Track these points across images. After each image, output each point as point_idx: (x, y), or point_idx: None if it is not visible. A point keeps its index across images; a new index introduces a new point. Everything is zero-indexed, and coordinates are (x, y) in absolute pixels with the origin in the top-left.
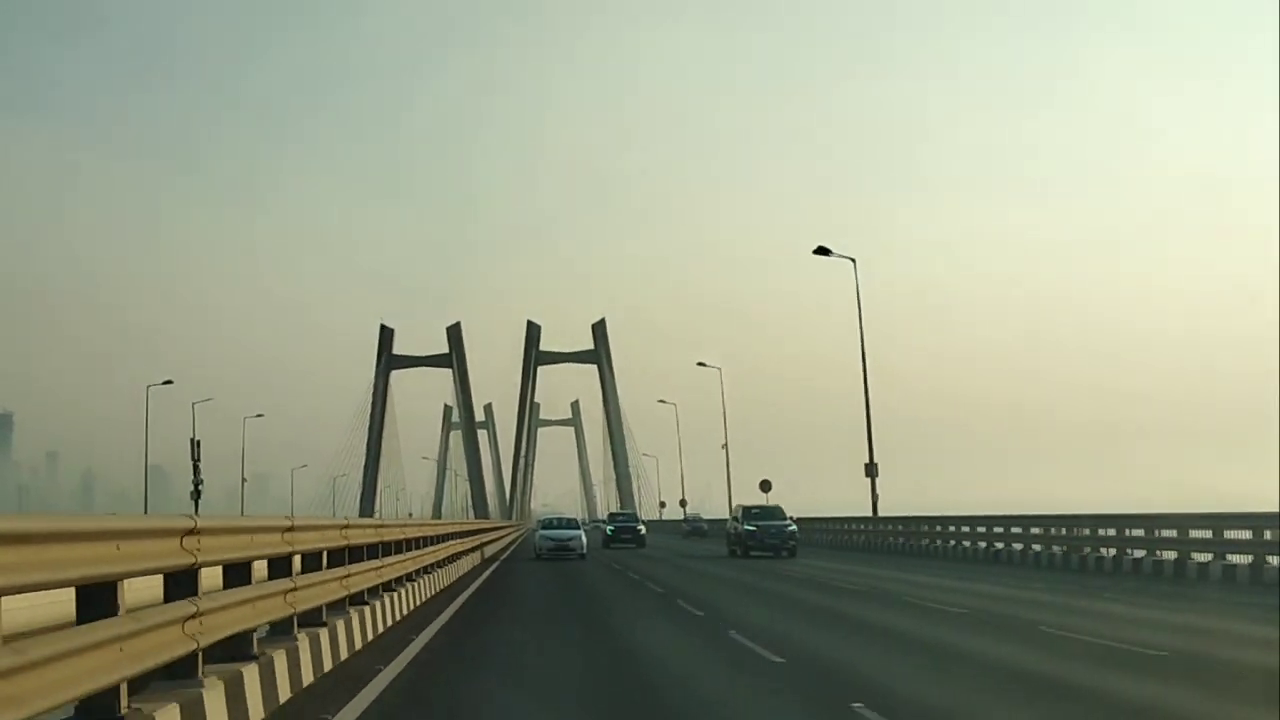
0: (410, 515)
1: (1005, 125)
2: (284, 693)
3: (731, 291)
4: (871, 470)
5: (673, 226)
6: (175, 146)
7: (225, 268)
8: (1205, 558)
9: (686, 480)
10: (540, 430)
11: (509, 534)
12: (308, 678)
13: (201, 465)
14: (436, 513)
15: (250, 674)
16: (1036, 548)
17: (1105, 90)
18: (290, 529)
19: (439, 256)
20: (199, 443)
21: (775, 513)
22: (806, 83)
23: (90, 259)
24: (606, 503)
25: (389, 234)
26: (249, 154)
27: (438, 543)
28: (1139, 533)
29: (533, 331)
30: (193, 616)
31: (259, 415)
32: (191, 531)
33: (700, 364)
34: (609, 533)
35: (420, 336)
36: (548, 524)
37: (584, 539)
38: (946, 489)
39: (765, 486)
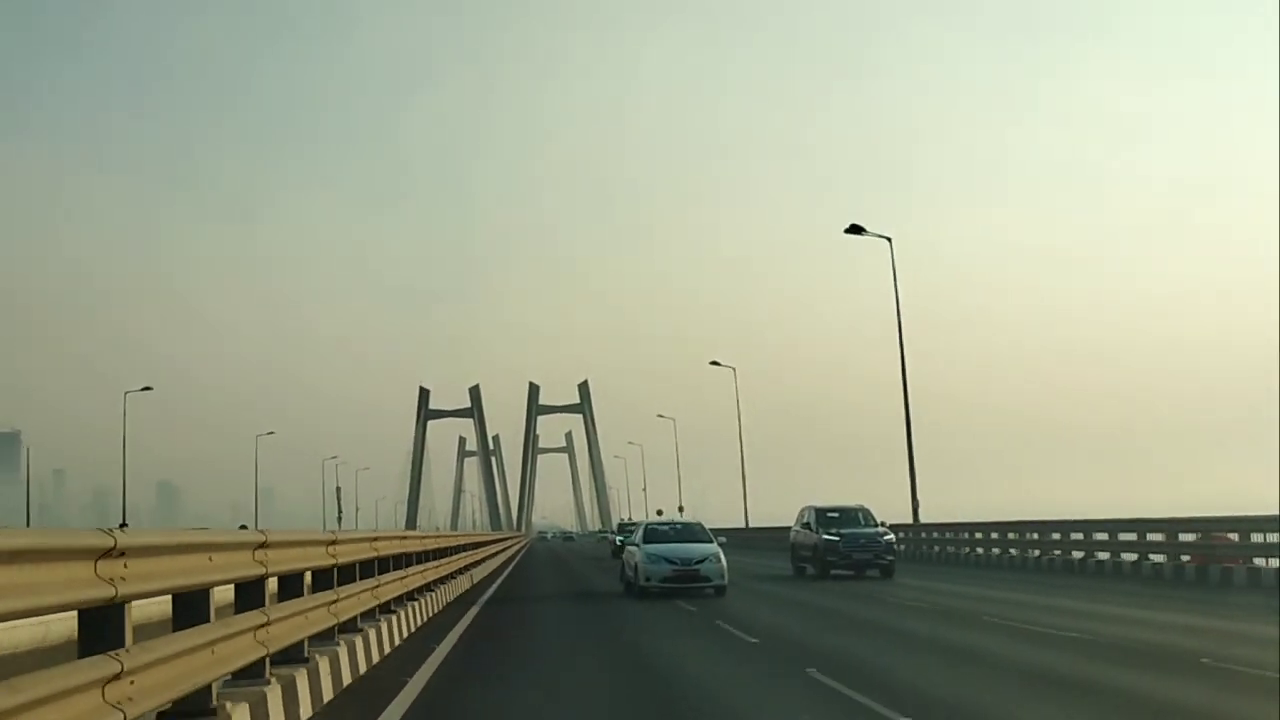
0: (438, 528)
1: (1004, 132)
2: (328, 693)
3: (737, 295)
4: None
5: (675, 234)
6: (175, 161)
7: (231, 281)
8: None
9: (688, 489)
10: (539, 456)
11: (518, 542)
12: (347, 679)
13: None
14: (453, 526)
15: (301, 676)
16: (1102, 555)
17: (1087, 95)
18: (334, 542)
19: (445, 266)
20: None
21: (861, 516)
22: (800, 92)
23: (95, 272)
24: (593, 515)
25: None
26: (253, 170)
27: (463, 551)
28: (1189, 537)
29: (533, 391)
30: (263, 625)
31: (270, 433)
32: (263, 545)
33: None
34: (619, 543)
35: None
36: (653, 533)
37: (723, 561)
38: (961, 495)
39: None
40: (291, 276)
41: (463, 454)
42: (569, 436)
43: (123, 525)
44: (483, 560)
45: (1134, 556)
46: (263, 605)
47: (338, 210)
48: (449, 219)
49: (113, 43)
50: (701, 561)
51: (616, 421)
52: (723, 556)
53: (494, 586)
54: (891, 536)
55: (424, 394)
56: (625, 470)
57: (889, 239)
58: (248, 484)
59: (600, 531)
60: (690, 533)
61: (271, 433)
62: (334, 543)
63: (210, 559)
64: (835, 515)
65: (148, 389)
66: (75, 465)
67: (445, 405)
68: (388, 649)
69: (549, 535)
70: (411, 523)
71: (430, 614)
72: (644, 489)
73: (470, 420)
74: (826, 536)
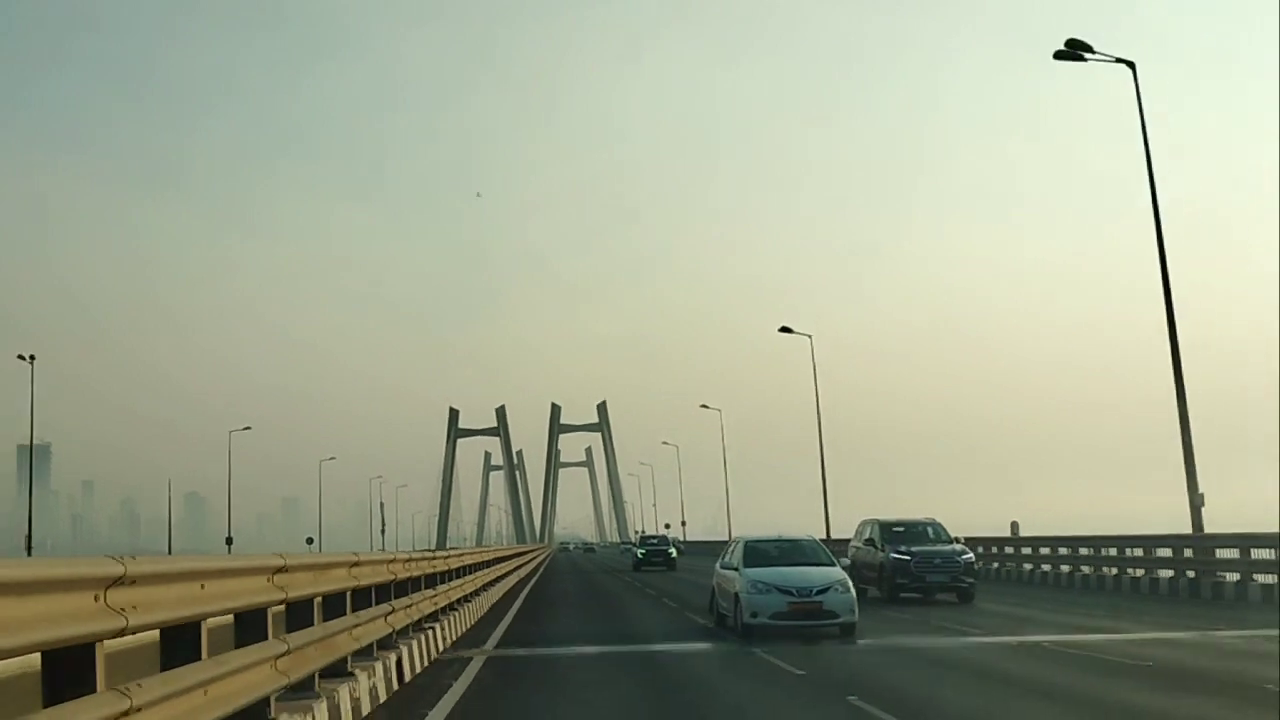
0: (465, 540)
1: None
2: (365, 706)
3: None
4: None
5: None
6: (197, 180)
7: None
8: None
9: (703, 503)
10: (560, 470)
11: (541, 554)
12: (383, 695)
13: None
14: (479, 540)
15: (342, 690)
16: (1136, 572)
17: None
18: (356, 564)
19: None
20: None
21: (931, 531)
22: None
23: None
24: (611, 528)
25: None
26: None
27: (488, 566)
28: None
29: (555, 411)
30: (321, 640)
31: (332, 458)
32: (356, 564)
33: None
34: (640, 555)
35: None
36: (757, 553)
37: (852, 590)
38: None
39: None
40: (312, 295)
41: (488, 468)
42: (589, 451)
43: (229, 540)
44: (502, 577)
45: (1140, 572)
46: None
47: (361, 226)
48: (468, 238)
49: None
50: (824, 591)
51: (640, 431)
52: (850, 583)
53: (509, 616)
54: (971, 555)
55: (454, 414)
56: (639, 486)
57: (809, 336)
58: (273, 499)
59: (623, 543)
60: (801, 551)
61: (333, 458)
62: (357, 564)
63: (269, 580)
64: (901, 530)
65: (247, 428)
66: (104, 477)
67: (473, 424)
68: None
69: (571, 546)
70: (442, 536)
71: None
72: (654, 504)
73: (496, 438)
74: (896, 555)
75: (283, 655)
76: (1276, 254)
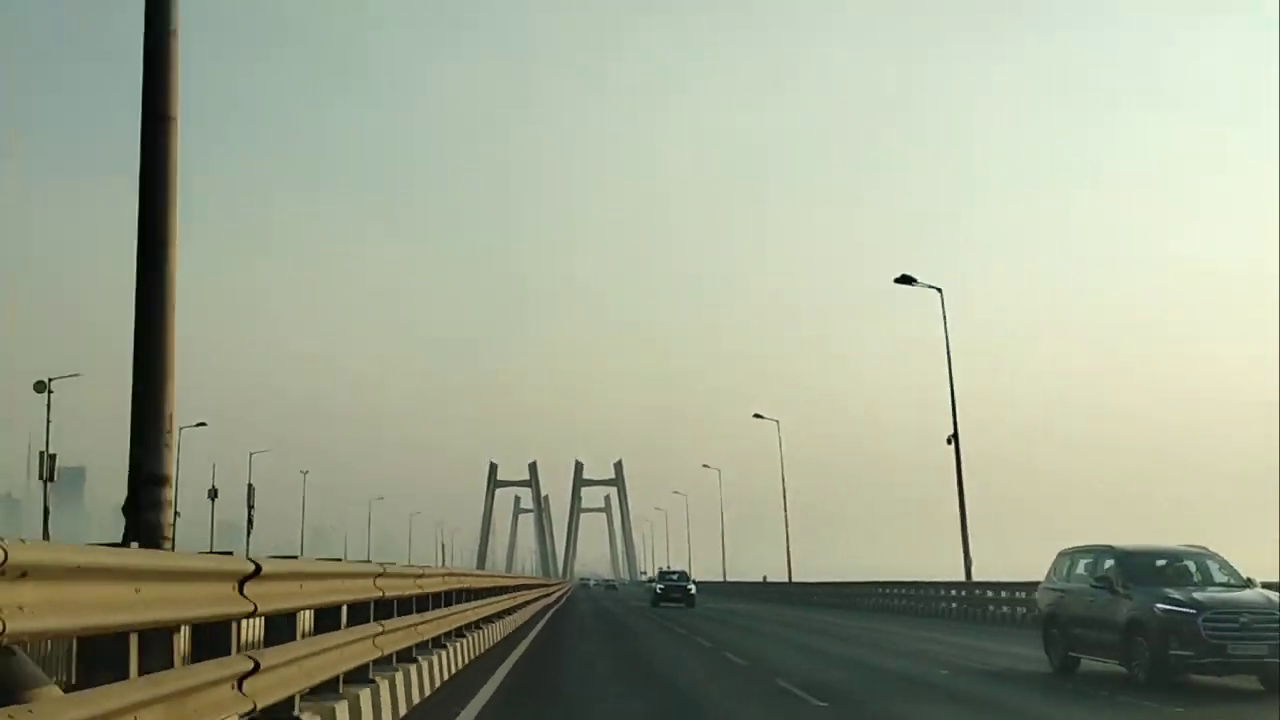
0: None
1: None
2: (451, 669)
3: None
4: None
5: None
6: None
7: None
8: None
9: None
10: (581, 514)
11: (564, 588)
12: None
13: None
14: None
15: (364, 695)
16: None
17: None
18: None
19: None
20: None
21: (1206, 569)
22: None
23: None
24: (624, 566)
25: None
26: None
27: (515, 591)
28: None
29: (579, 467)
30: (380, 634)
31: (380, 498)
32: (381, 574)
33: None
34: (658, 591)
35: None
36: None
37: None
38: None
39: None
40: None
41: (517, 511)
42: (607, 499)
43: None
44: (531, 602)
45: None
46: (368, 620)
47: (394, 258)
48: (499, 270)
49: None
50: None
51: (668, 468)
52: None
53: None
54: None
55: (493, 468)
56: (652, 529)
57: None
58: (294, 524)
59: (648, 580)
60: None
61: (381, 498)
62: (422, 576)
63: (344, 583)
64: (1163, 564)
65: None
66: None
67: (509, 476)
68: None
69: (592, 583)
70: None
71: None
72: (666, 547)
73: (528, 488)
74: (1170, 607)
75: (379, 635)
76: None
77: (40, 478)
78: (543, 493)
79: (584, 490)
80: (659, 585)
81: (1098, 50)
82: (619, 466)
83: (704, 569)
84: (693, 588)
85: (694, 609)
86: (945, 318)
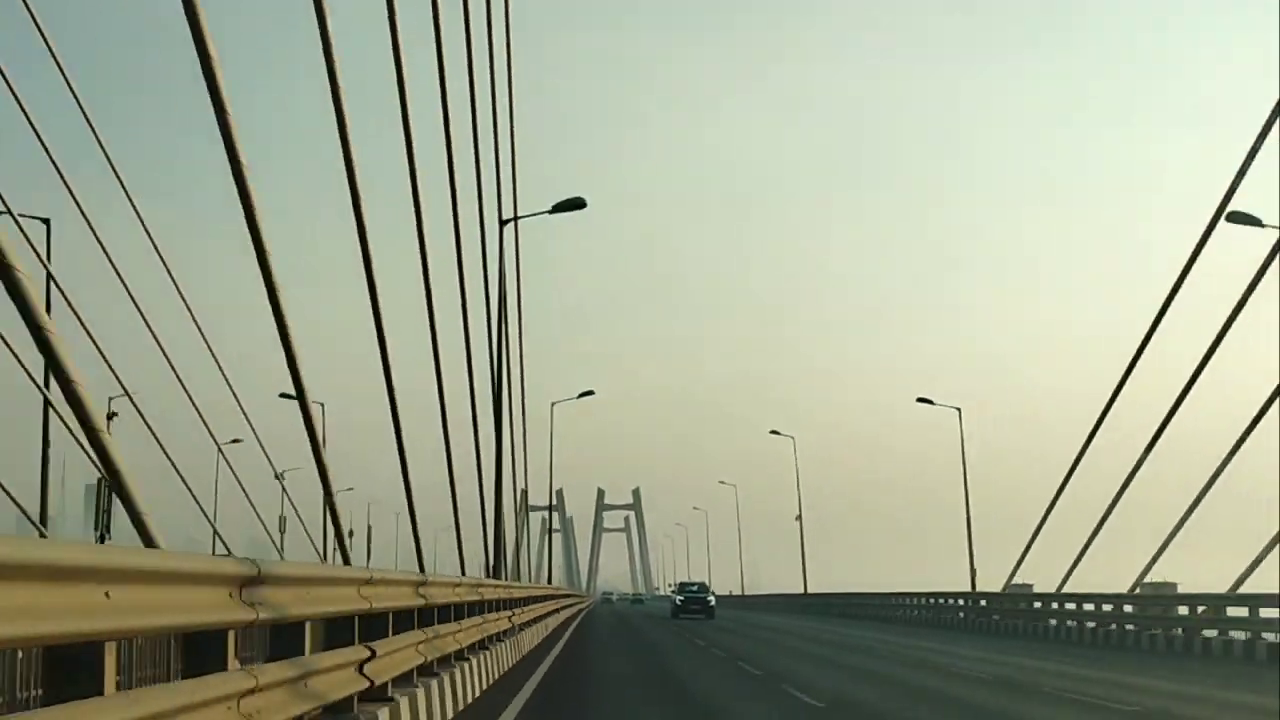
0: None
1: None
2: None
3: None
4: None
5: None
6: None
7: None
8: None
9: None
10: (604, 534)
11: (585, 602)
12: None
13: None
14: None
15: (415, 695)
16: (1179, 631)
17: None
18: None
19: None
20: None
21: None
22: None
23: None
24: (640, 582)
25: None
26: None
27: (549, 600)
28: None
29: (600, 494)
30: (425, 641)
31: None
32: (424, 583)
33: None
34: (678, 603)
35: None
36: None
37: None
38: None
39: None
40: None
41: (543, 533)
42: (627, 520)
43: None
44: (558, 610)
45: (1180, 630)
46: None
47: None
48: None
49: None
50: None
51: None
52: None
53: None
54: None
55: (524, 494)
56: (673, 545)
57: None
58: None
59: (677, 592)
60: None
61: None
62: (458, 585)
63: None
64: None
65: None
66: (160, 513)
67: (537, 501)
68: None
69: (614, 598)
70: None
71: None
72: (687, 562)
73: (555, 512)
74: None
75: (423, 642)
76: None
77: None
78: (568, 514)
79: (605, 513)
80: (679, 597)
81: None
82: (636, 493)
83: (724, 583)
84: (712, 599)
85: (713, 620)
86: (963, 438)
